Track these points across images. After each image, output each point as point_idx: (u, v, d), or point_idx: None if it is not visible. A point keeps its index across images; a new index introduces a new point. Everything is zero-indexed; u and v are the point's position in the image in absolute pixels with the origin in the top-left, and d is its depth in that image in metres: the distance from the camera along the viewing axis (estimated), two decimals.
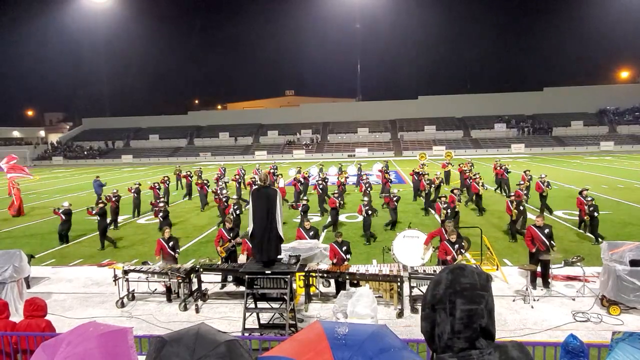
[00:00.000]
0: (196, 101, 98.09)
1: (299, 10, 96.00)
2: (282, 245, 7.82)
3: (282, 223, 7.53)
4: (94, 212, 14.74)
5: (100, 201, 15.45)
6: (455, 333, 1.48)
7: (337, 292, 9.48)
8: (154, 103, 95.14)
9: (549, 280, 9.42)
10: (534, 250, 9.60)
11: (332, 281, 9.54)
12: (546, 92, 67.11)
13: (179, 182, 27.39)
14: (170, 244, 10.19)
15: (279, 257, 7.56)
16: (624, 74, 73.60)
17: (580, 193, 13.79)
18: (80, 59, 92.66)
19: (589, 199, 13.26)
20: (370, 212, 13.87)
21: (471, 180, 19.19)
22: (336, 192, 17.61)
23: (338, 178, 22.32)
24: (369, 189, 18.13)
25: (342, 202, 16.45)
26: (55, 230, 15.52)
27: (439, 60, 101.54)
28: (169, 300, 9.48)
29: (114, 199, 16.76)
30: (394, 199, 15.34)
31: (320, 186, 19.52)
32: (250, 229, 7.43)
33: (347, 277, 8.91)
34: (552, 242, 9.69)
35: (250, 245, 7.56)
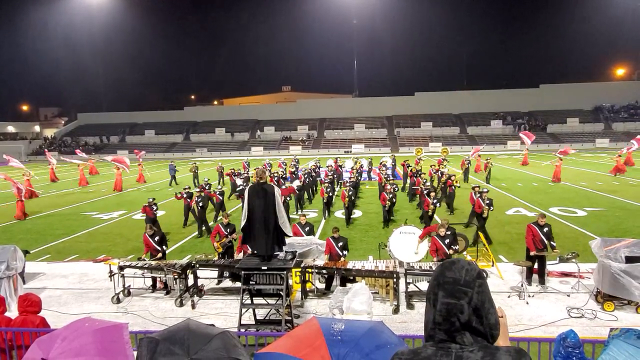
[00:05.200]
0: (192, 97, 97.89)
1: (296, 6, 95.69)
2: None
3: (287, 219, 7.47)
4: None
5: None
6: (436, 324, 1.54)
7: (328, 287, 9.50)
8: (149, 98, 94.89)
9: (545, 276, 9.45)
10: (535, 251, 9.37)
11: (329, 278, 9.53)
12: (542, 89, 67.32)
13: (221, 178, 27.31)
14: (156, 239, 10.13)
15: (276, 252, 7.52)
16: (620, 71, 73.95)
17: (481, 194, 13.14)
18: (76, 54, 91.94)
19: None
20: (394, 199, 15.21)
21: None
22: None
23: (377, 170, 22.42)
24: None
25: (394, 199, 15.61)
26: (52, 228, 15.37)
27: (435, 57, 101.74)
28: (153, 290, 9.78)
29: (185, 196, 15.84)
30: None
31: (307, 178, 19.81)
32: (242, 224, 7.34)
33: (343, 273, 8.92)
34: (552, 242, 9.51)
35: (242, 241, 7.47)
